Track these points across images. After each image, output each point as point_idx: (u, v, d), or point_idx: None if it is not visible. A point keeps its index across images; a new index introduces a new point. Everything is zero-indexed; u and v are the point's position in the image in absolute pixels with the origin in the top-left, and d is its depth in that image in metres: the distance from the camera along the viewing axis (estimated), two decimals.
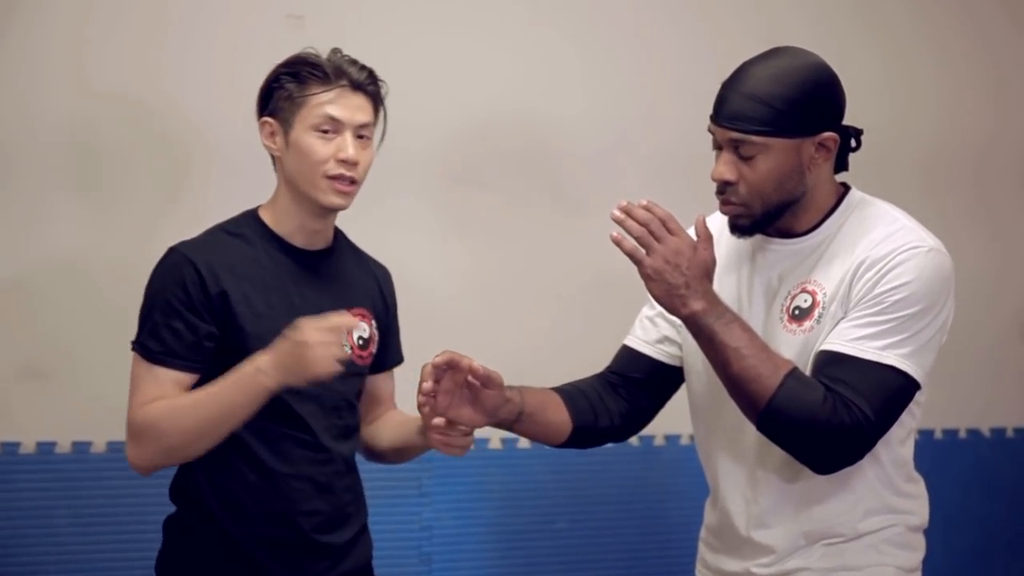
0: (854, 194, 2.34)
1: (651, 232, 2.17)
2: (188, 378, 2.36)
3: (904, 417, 2.26)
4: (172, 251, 2.41)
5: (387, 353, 2.59)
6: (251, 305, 2.37)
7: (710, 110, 2.30)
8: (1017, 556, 4.11)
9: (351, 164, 2.37)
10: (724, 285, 2.33)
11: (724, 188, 2.28)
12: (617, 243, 2.18)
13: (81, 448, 3.34)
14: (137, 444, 2.34)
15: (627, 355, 2.50)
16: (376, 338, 2.52)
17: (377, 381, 2.60)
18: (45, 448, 3.32)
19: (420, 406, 2.30)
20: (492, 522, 3.66)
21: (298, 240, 2.44)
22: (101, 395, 3.21)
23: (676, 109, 3.76)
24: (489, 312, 3.64)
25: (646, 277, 2.18)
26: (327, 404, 2.43)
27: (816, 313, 2.25)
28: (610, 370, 2.52)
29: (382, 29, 3.59)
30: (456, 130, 3.65)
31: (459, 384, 2.30)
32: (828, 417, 2.14)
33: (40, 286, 3.33)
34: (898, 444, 2.30)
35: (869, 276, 2.21)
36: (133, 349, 2.39)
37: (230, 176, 3.34)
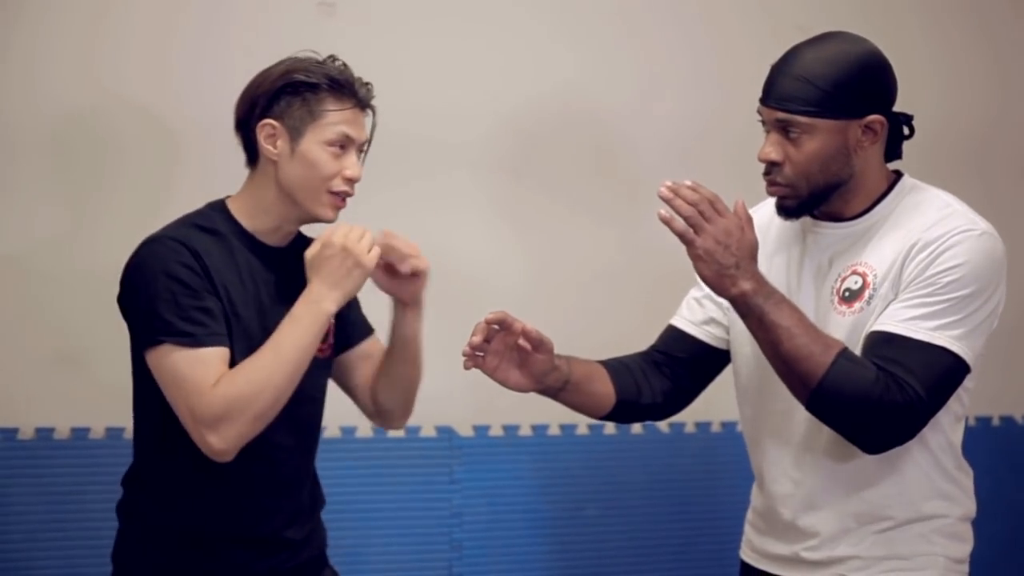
0: (906, 180, 2.34)
1: (700, 212, 2.16)
2: (228, 354, 2.31)
3: (952, 403, 2.26)
4: (157, 240, 2.34)
5: (355, 328, 2.57)
6: (233, 305, 2.34)
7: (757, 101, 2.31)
8: None
9: (354, 182, 2.39)
10: (774, 267, 2.34)
11: (770, 169, 2.28)
12: (666, 222, 2.17)
13: (114, 434, 3.34)
14: (222, 427, 2.25)
15: (673, 335, 2.51)
16: (332, 328, 2.47)
17: (358, 354, 2.57)
18: (79, 433, 3.33)
19: (466, 359, 2.30)
20: (522, 509, 3.66)
21: (270, 239, 2.42)
22: None
23: (724, 100, 3.77)
24: (537, 299, 3.60)
25: (696, 258, 2.18)
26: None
27: (867, 294, 2.25)
28: (655, 348, 2.53)
29: (415, 17, 3.58)
30: (500, 120, 3.64)
31: (509, 346, 2.31)
32: (881, 395, 2.14)
33: (74, 273, 3.33)
34: (948, 429, 2.30)
35: (922, 257, 2.21)
36: (161, 343, 2.28)
37: None
